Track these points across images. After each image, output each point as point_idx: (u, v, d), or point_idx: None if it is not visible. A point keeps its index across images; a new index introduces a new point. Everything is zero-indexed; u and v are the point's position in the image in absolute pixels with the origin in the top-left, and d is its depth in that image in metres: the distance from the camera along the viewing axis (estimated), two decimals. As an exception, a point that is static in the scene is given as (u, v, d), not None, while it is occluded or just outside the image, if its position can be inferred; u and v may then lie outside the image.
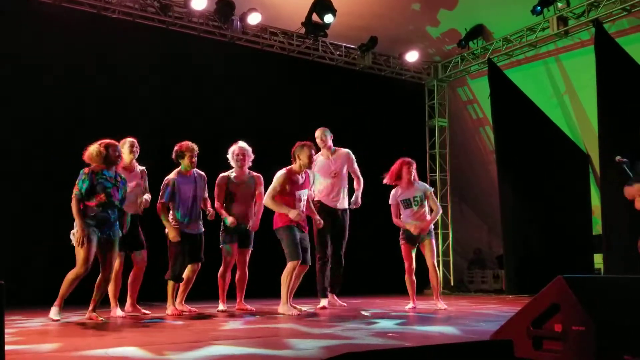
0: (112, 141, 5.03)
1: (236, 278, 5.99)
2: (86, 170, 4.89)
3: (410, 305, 6.14)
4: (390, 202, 6.20)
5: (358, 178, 6.49)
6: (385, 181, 6.18)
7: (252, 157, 6.03)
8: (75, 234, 4.82)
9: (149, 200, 5.69)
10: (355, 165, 6.47)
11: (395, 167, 6.13)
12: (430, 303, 6.44)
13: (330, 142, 6.43)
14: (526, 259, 9.24)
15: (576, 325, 2.57)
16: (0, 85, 7.35)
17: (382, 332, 3.87)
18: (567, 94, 9.88)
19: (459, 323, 4.58)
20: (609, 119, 8.06)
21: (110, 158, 4.94)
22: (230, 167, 6.02)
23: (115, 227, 5.00)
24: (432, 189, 6.38)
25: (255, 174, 6.02)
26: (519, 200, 9.49)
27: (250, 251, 6.01)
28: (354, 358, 1.94)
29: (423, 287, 10.41)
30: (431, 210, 6.18)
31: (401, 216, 6.15)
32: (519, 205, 9.48)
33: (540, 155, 9.57)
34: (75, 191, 4.82)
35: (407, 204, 6.08)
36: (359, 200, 6.45)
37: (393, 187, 6.22)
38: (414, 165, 6.16)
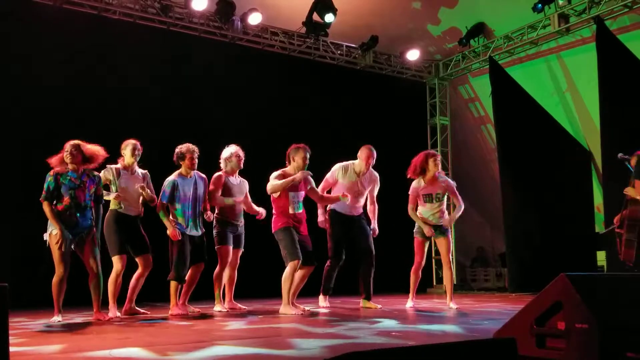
0: (75, 141, 5.02)
1: (225, 278, 6.05)
2: (51, 172, 4.93)
3: (410, 303, 6.11)
4: (410, 192, 6.00)
5: (374, 203, 6.22)
6: (409, 175, 5.99)
7: None
8: (49, 236, 4.87)
9: (152, 194, 5.66)
10: (377, 190, 6.22)
11: (419, 159, 5.93)
12: (434, 302, 6.44)
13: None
14: (529, 257, 9.23)
15: (579, 323, 2.57)
16: (1, 86, 7.36)
17: (386, 331, 3.88)
18: (569, 91, 9.87)
19: (462, 321, 4.59)
20: (611, 116, 8.04)
21: (70, 158, 4.93)
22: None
23: (87, 227, 5.00)
24: (455, 184, 6.16)
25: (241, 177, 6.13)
26: (521, 198, 9.47)
27: (241, 252, 6.09)
28: (357, 357, 1.93)
29: (426, 285, 10.45)
30: (453, 206, 6.08)
31: (419, 209, 6.02)
32: (521, 203, 9.46)
33: (542, 153, 9.56)
34: (42, 194, 4.86)
35: (429, 199, 5.94)
36: (377, 230, 6.19)
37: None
38: (439, 158, 6.00)
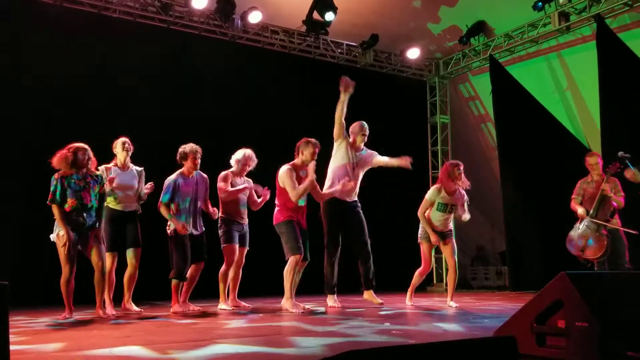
0: (81, 145, 5.08)
1: (230, 276, 6.10)
2: (56, 175, 4.98)
3: (408, 302, 6.14)
4: (427, 196, 6.01)
5: None
6: (439, 181, 6.09)
7: None
8: (56, 237, 4.95)
9: (147, 193, 5.71)
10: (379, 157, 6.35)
11: (446, 169, 6.07)
12: (434, 300, 6.44)
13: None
14: (529, 255, 9.23)
15: (579, 322, 2.57)
16: (1, 85, 7.35)
17: (386, 330, 3.88)
18: (569, 89, 9.86)
19: (463, 320, 4.59)
20: (611, 115, 8.04)
21: (78, 162, 5.00)
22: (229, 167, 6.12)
23: (91, 225, 5.04)
24: (468, 200, 6.21)
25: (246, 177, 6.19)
26: (522, 196, 9.47)
27: (246, 250, 6.18)
28: (357, 356, 1.94)
29: (427, 284, 10.44)
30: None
31: (428, 213, 6.03)
32: (522, 201, 9.46)
33: (543, 151, 9.55)
34: (49, 198, 4.92)
35: (443, 208, 5.99)
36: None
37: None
38: (462, 167, 6.08)
